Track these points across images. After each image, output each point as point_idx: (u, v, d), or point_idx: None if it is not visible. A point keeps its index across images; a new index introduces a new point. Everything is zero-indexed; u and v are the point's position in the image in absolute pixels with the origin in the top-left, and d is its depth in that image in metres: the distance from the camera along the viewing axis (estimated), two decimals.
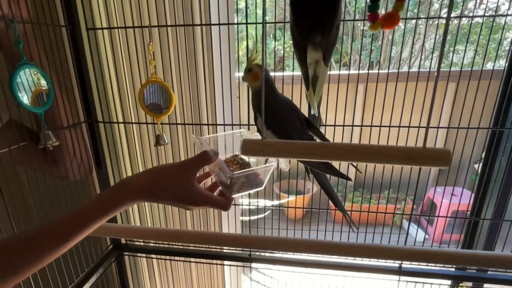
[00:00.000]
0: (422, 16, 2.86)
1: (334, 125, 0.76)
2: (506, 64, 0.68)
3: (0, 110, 0.64)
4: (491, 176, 0.79)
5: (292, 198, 2.73)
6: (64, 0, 0.71)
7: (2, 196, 0.60)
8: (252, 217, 2.28)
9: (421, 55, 3.24)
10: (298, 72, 0.68)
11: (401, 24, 0.37)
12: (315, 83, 0.67)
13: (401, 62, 3.36)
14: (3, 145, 0.62)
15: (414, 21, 2.94)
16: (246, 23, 0.67)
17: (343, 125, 0.75)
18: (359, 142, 0.84)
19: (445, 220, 2.30)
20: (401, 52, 3.13)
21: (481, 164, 0.82)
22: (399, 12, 0.39)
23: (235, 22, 0.71)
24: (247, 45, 0.97)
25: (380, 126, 0.74)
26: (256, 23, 0.70)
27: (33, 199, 0.70)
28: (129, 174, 0.92)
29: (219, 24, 0.68)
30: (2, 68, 0.63)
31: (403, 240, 1.06)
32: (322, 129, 0.71)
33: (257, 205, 1.00)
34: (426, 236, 2.52)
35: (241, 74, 0.62)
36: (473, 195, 0.84)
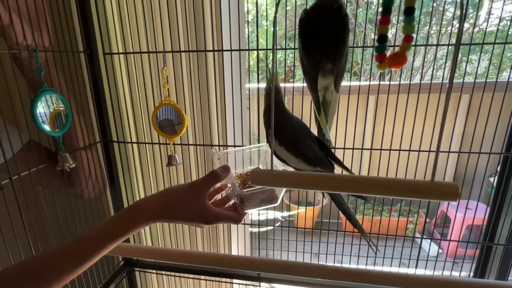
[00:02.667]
0: (433, 43, 2.83)
1: (344, 148, 0.76)
2: None
3: (20, 130, 0.67)
4: (504, 201, 0.78)
5: (302, 209, 2.72)
6: (83, 27, 0.74)
7: (20, 215, 0.62)
8: (262, 229, 2.28)
9: (434, 64, 3.21)
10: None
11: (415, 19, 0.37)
12: (326, 108, 0.68)
13: (413, 72, 3.34)
14: (23, 167, 0.65)
15: (425, 30, 2.93)
16: (257, 49, 0.69)
17: (353, 148, 0.75)
18: (369, 162, 0.84)
19: (459, 234, 2.26)
20: (413, 61, 3.10)
21: (496, 178, 0.81)
22: (406, 52, 0.40)
23: (246, 46, 0.72)
24: (258, 54, 0.99)
25: (390, 150, 0.74)
26: (266, 49, 0.72)
27: (49, 217, 0.72)
28: (142, 192, 0.94)
29: (230, 50, 0.70)
30: (23, 91, 0.65)
31: (416, 254, 1.04)
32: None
33: (267, 217, 1.00)
34: (440, 251, 2.47)
35: (251, 85, 0.63)
36: (488, 208, 0.82)
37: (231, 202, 0.61)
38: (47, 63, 0.65)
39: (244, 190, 0.58)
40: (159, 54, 0.75)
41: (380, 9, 0.39)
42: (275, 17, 0.42)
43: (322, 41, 0.58)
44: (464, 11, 0.35)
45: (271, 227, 2.24)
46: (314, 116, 0.69)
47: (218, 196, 0.62)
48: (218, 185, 0.62)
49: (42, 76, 0.64)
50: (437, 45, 0.66)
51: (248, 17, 0.81)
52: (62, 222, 0.74)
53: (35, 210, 0.66)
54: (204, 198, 0.54)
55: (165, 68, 0.73)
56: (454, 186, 0.43)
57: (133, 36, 0.77)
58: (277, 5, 0.41)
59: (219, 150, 0.67)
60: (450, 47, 0.85)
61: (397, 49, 0.41)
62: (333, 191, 0.48)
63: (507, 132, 0.74)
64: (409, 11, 0.37)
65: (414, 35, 0.41)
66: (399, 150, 0.72)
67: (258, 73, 0.76)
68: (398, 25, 0.66)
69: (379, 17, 0.40)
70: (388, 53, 0.42)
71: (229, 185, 0.61)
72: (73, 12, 0.73)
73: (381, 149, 0.74)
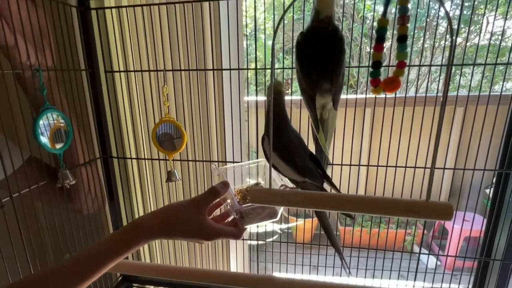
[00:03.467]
0: (427, 56, 2.88)
1: (341, 164, 0.77)
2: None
3: (21, 147, 0.67)
4: (499, 216, 0.79)
5: (300, 221, 2.71)
6: (85, 45, 0.76)
7: (20, 233, 0.62)
8: (261, 242, 2.27)
9: (428, 77, 3.26)
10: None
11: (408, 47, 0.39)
12: (324, 126, 0.69)
13: (408, 84, 3.39)
14: (24, 183, 0.65)
15: (420, 44, 2.99)
16: (256, 69, 0.70)
17: (350, 165, 0.77)
18: (366, 178, 0.85)
19: (456, 246, 2.26)
20: (408, 74, 3.15)
21: (492, 190, 0.82)
22: (399, 77, 0.41)
23: (245, 66, 0.74)
24: (256, 66, 1.02)
25: (386, 166, 0.75)
26: (265, 68, 0.74)
27: (48, 233, 0.72)
28: (141, 208, 0.95)
29: (230, 69, 0.71)
30: (25, 108, 0.66)
31: (414, 266, 1.04)
32: (329, 168, 0.73)
33: (265, 229, 1.00)
34: (438, 263, 2.46)
35: (249, 98, 0.64)
36: (485, 220, 0.82)
37: (230, 218, 0.62)
38: (50, 81, 0.67)
39: (244, 205, 0.58)
40: (160, 72, 0.76)
41: (375, 31, 0.41)
42: (273, 44, 0.44)
43: (319, 63, 0.60)
44: (454, 37, 0.36)
45: (270, 240, 2.23)
46: (312, 133, 0.70)
47: (218, 211, 0.63)
48: (218, 200, 0.62)
49: (45, 94, 0.65)
50: (430, 65, 0.68)
51: (246, 30, 0.84)
52: (61, 239, 0.74)
53: (34, 226, 0.66)
54: (204, 214, 0.54)
55: (165, 86, 0.75)
56: (449, 206, 0.44)
57: (134, 54, 0.79)
58: (275, 32, 0.42)
59: (219, 166, 0.68)
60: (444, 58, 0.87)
61: (392, 69, 0.42)
62: (332, 210, 0.49)
63: (501, 148, 0.76)
64: (401, 39, 0.39)
65: (409, 49, 0.42)
66: (395, 166, 0.73)
67: (256, 86, 0.78)
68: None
69: (374, 31, 0.41)
70: (384, 72, 0.44)
71: (229, 200, 0.62)
72: (75, 31, 0.75)
73: (377, 166, 0.76)
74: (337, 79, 0.62)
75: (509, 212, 0.78)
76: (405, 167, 0.74)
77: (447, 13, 0.35)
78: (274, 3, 0.77)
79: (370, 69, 0.42)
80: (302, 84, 0.62)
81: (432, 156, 0.44)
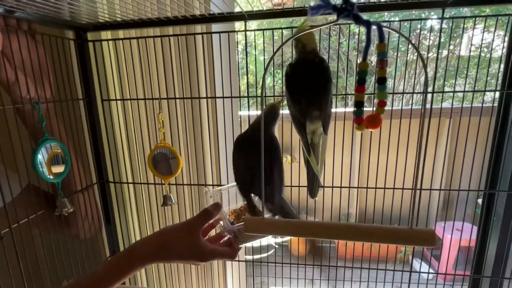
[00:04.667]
0: (412, 68, 2.95)
1: (332, 187, 0.80)
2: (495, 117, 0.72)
3: (20, 175, 0.69)
4: (487, 234, 0.82)
5: None
6: (82, 76, 0.78)
7: (18, 262, 0.63)
8: (256, 256, 2.27)
9: (413, 89, 3.34)
10: None
11: (392, 60, 0.41)
12: (315, 150, 0.72)
13: (394, 97, 3.45)
14: (22, 212, 0.66)
15: (405, 58, 3.06)
16: (248, 97, 0.73)
17: (341, 187, 0.79)
18: (357, 197, 0.88)
19: (449, 256, 2.28)
20: (393, 86, 3.21)
21: (483, 201, 0.84)
22: (381, 115, 0.44)
23: (238, 94, 0.77)
24: (247, 80, 1.06)
25: (376, 188, 0.78)
26: (256, 96, 0.77)
27: (45, 259, 0.73)
28: (137, 231, 0.96)
29: (223, 98, 0.74)
30: (23, 137, 0.68)
31: (407, 278, 1.05)
32: (321, 191, 0.76)
33: (260, 243, 1.02)
34: (433, 273, 2.48)
35: (243, 112, 0.67)
36: (478, 232, 0.84)
37: (226, 238, 0.64)
38: (48, 113, 0.68)
39: (235, 225, 0.60)
40: (155, 101, 0.79)
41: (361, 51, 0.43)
42: (264, 76, 0.47)
43: (308, 91, 0.63)
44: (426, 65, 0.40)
45: (265, 255, 2.23)
46: (304, 157, 0.73)
47: (213, 232, 0.65)
48: (211, 221, 0.64)
49: (44, 126, 0.67)
50: (412, 93, 0.72)
51: (238, 47, 0.88)
52: (58, 265, 0.74)
53: (32, 254, 0.67)
54: (197, 236, 0.56)
55: (160, 113, 0.77)
56: (431, 233, 0.46)
57: (130, 83, 0.82)
58: (265, 68, 0.45)
59: (212, 189, 0.70)
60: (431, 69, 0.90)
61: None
62: (322, 238, 0.51)
63: (485, 167, 0.78)
64: (381, 81, 0.42)
65: (392, 71, 0.45)
66: (384, 188, 0.76)
67: (248, 102, 0.81)
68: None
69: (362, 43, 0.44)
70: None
71: (221, 222, 0.63)
72: (73, 62, 0.77)
73: (367, 188, 0.78)
74: (325, 106, 0.65)
75: (495, 229, 0.81)
76: (393, 188, 0.77)
77: (415, 47, 0.39)
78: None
79: (353, 108, 0.45)
80: (292, 111, 0.65)
81: (414, 182, 0.47)
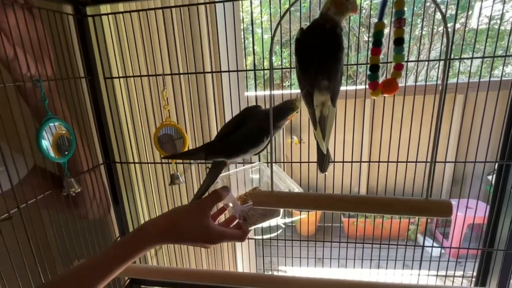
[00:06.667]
0: (425, 43, 2.86)
1: (343, 162, 0.78)
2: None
3: (25, 156, 0.68)
4: (501, 206, 0.79)
5: (304, 215, 2.73)
6: (83, 53, 0.76)
7: (29, 242, 0.63)
8: (265, 236, 2.29)
9: (427, 65, 3.24)
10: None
11: (406, 34, 0.38)
12: (322, 123, 0.70)
13: (407, 72, 3.37)
14: (30, 193, 0.66)
15: (417, 31, 2.97)
16: (254, 70, 0.71)
17: (351, 162, 0.77)
18: (368, 173, 0.85)
19: (460, 234, 2.27)
20: (407, 62, 3.13)
21: (494, 176, 0.82)
22: (397, 79, 0.42)
23: (243, 64, 0.74)
24: (254, 60, 1.03)
25: (388, 162, 0.75)
26: (264, 69, 0.74)
27: (56, 240, 0.74)
28: (145, 211, 0.96)
29: (228, 71, 0.72)
30: (27, 118, 0.67)
31: (419, 255, 1.05)
32: (331, 166, 0.74)
33: (269, 224, 1.02)
34: (442, 251, 2.48)
35: (249, 93, 0.63)
36: (488, 207, 0.83)
37: (235, 222, 0.63)
38: (51, 91, 0.67)
39: (245, 205, 0.59)
40: (159, 77, 0.77)
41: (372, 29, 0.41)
42: (270, 51, 0.44)
43: (317, 59, 0.60)
44: (453, 28, 0.37)
45: (274, 235, 2.25)
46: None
47: (222, 218, 0.64)
48: (221, 205, 0.63)
49: (46, 104, 0.66)
50: (428, 60, 0.68)
51: (242, 25, 0.84)
52: (68, 245, 0.75)
53: (42, 235, 0.67)
54: (207, 217, 0.55)
55: (165, 90, 0.75)
56: (448, 204, 0.44)
57: (132, 59, 0.79)
58: (274, 32, 0.43)
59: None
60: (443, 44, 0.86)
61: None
62: (334, 211, 0.50)
63: (501, 139, 0.76)
64: (398, 42, 0.39)
65: (407, 37, 0.42)
66: (397, 162, 0.74)
67: (255, 81, 0.78)
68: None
69: (373, 19, 0.41)
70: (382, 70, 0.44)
71: (231, 204, 0.63)
72: (73, 39, 0.75)
73: (379, 162, 0.76)
74: (335, 76, 0.62)
75: (511, 203, 0.79)
76: (406, 162, 0.74)
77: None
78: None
79: (368, 72, 0.42)
80: (301, 80, 0.62)
81: (432, 154, 0.44)
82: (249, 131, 0.62)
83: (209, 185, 0.64)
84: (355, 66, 0.75)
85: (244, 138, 0.61)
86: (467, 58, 0.64)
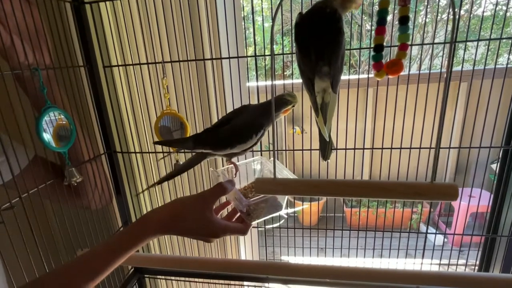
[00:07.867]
0: (428, 30, 2.81)
1: (345, 149, 0.77)
2: None
3: (26, 147, 0.68)
4: (506, 192, 0.79)
5: (306, 205, 2.74)
6: (82, 41, 0.75)
7: (32, 232, 0.63)
8: (268, 227, 2.30)
9: (431, 53, 3.20)
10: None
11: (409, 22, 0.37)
12: (324, 110, 0.69)
13: (410, 61, 3.34)
14: (31, 183, 0.66)
15: (421, 19, 2.92)
16: (255, 56, 0.69)
17: (354, 148, 0.76)
18: (371, 160, 0.85)
19: (463, 223, 2.27)
20: (411, 50, 3.10)
21: (498, 165, 0.81)
22: (402, 60, 0.41)
23: (244, 53, 0.73)
24: (255, 50, 1.02)
25: (391, 148, 0.75)
26: (264, 55, 0.72)
27: (59, 230, 0.74)
28: (147, 200, 0.96)
29: (229, 58, 0.70)
30: (27, 108, 0.66)
31: (422, 244, 1.05)
32: (333, 153, 0.73)
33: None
34: (445, 240, 2.48)
35: (251, 83, 0.62)
36: (491, 196, 0.82)
37: (237, 216, 0.63)
38: (49, 80, 0.66)
39: (251, 199, 0.59)
40: (158, 65, 0.75)
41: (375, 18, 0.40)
42: (272, 31, 0.43)
43: (317, 44, 0.58)
44: (457, 9, 0.35)
45: (277, 225, 2.26)
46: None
47: (224, 212, 0.64)
48: (223, 199, 0.63)
49: (45, 93, 0.65)
50: (433, 43, 0.66)
51: (242, 13, 0.83)
52: (71, 235, 0.75)
53: (44, 225, 0.67)
54: (210, 210, 0.55)
55: (165, 78, 0.74)
56: (454, 187, 0.44)
57: (131, 47, 0.78)
58: (274, 16, 0.41)
59: (222, 167, 0.69)
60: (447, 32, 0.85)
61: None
62: (337, 196, 0.49)
63: (507, 124, 0.75)
64: (403, 21, 0.38)
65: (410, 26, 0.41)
66: (400, 148, 0.73)
67: (256, 72, 0.77)
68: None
69: (375, 7, 0.40)
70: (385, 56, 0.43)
71: (233, 199, 0.62)
72: (71, 27, 0.74)
73: (382, 148, 0.75)
74: (335, 62, 0.61)
75: None
76: (410, 148, 0.73)
77: None
78: None
79: (372, 53, 0.41)
80: (301, 66, 0.61)
81: (437, 137, 0.43)
82: (237, 126, 0.62)
83: (180, 172, 0.65)
84: (357, 56, 0.74)
85: (231, 133, 0.61)
86: (473, 41, 0.63)
